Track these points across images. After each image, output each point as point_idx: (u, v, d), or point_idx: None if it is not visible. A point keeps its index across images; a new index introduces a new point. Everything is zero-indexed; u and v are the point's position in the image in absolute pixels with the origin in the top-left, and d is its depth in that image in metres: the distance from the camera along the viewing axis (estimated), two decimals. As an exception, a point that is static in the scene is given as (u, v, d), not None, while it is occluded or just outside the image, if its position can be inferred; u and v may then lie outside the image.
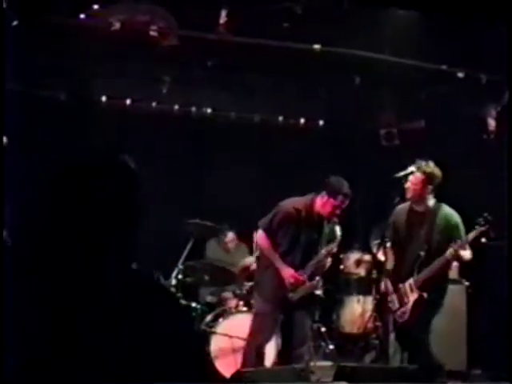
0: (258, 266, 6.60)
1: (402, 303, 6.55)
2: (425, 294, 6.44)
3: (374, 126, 10.03)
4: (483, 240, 6.35)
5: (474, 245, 6.38)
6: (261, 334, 6.29)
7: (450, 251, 6.29)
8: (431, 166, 6.56)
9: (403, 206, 6.77)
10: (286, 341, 6.42)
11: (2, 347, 1.62)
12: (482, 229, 6.24)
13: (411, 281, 6.51)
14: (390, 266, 6.81)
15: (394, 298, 6.61)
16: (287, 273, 6.21)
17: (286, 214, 6.30)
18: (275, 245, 6.31)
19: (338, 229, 6.28)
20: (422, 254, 6.47)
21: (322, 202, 6.27)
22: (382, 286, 6.78)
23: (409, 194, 6.60)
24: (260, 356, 6.32)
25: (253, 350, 6.29)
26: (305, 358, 6.31)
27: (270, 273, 6.30)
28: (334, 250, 6.33)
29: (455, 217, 6.54)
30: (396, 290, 6.61)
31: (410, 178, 6.52)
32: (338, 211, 6.24)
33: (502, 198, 7.32)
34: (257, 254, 6.81)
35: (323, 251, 6.30)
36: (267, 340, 6.37)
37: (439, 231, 6.52)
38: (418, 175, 6.51)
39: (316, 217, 6.31)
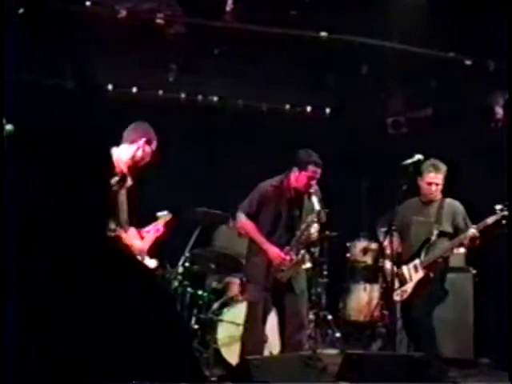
0: (247, 253, 6.57)
1: (403, 282, 6.64)
2: (431, 274, 6.52)
3: (381, 114, 10.00)
4: (504, 222, 6.42)
5: (492, 229, 6.47)
6: (257, 322, 6.29)
7: (471, 231, 6.37)
8: (444, 165, 6.66)
9: (412, 200, 6.86)
10: (282, 329, 6.41)
11: (1, 347, 1.60)
12: (504, 213, 6.35)
13: (417, 261, 6.61)
14: (390, 251, 6.87)
15: (395, 278, 6.69)
16: (274, 253, 6.21)
17: (263, 194, 6.36)
18: (258, 226, 6.32)
19: (315, 199, 6.21)
20: (433, 238, 6.57)
21: (295, 177, 6.31)
22: (385, 267, 6.86)
23: (436, 194, 6.66)
24: (260, 343, 6.32)
25: (252, 338, 6.30)
26: (304, 344, 6.31)
27: (259, 257, 6.30)
28: (315, 221, 6.28)
29: (460, 207, 6.64)
30: (398, 271, 6.69)
31: (434, 179, 6.60)
32: (312, 182, 6.25)
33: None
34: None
35: (303, 225, 6.29)
36: (263, 327, 6.36)
37: (447, 218, 6.61)
38: (441, 176, 6.62)
39: (294, 193, 6.34)
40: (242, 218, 6.43)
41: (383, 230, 8.12)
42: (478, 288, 7.99)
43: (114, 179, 5.26)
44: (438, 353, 6.58)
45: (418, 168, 6.92)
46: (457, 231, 6.64)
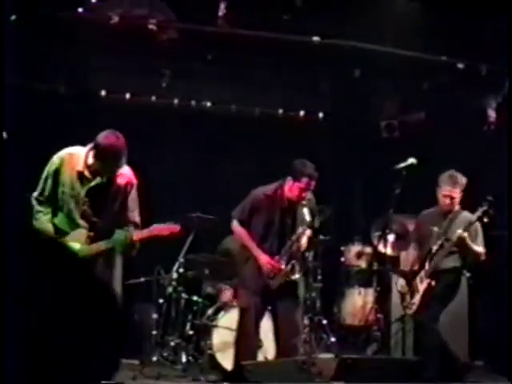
0: (238, 259, 6.59)
1: (412, 296, 6.64)
2: (433, 282, 6.51)
3: (374, 118, 10.02)
4: (486, 220, 6.40)
5: (480, 223, 6.47)
6: (248, 327, 6.30)
7: (457, 233, 6.36)
8: (464, 178, 6.59)
9: (432, 210, 6.84)
10: (277, 334, 6.42)
11: (1, 347, 1.60)
12: (484, 208, 6.33)
13: (422, 273, 6.59)
14: (407, 265, 6.88)
15: (407, 293, 6.70)
16: (264, 259, 6.21)
17: (256, 201, 6.36)
18: (251, 233, 6.34)
19: (305, 211, 6.18)
20: (435, 248, 6.55)
21: (288, 187, 6.28)
22: (398, 285, 6.85)
23: (451, 208, 6.62)
24: (253, 349, 6.34)
25: (244, 344, 6.30)
26: (299, 349, 6.30)
27: (250, 263, 6.31)
28: (306, 232, 6.27)
29: (474, 220, 6.57)
30: (409, 286, 6.70)
31: (451, 193, 6.55)
32: (304, 194, 6.21)
33: (502, 188, 7.32)
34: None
35: (294, 236, 6.28)
36: (255, 332, 6.37)
37: (456, 229, 6.56)
38: (458, 190, 6.54)
39: (287, 202, 6.32)
40: (234, 223, 6.44)
41: (377, 234, 8.14)
42: (472, 291, 7.99)
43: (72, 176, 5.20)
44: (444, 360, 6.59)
45: (411, 171, 6.93)
46: None
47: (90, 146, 5.19)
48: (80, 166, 5.17)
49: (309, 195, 6.31)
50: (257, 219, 6.33)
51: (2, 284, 1.66)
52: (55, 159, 5.22)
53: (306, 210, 6.17)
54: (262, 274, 6.20)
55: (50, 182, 5.17)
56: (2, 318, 1.62)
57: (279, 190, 6.34)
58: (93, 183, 5.19)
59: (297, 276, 6.27)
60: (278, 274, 6.18)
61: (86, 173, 5.17)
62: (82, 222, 5.19)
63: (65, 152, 5.24)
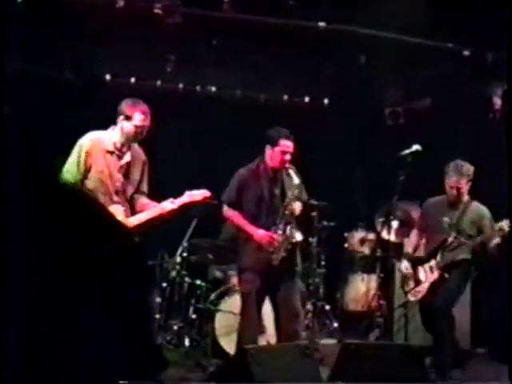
0: (237, 242, 6.50)
1: (417, 283, 6.67)
2: (446, 275, 6.54)
3: (379, 105, 10.00)
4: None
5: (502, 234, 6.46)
6: (249, 311, 6.28)
7: (504, 224, 6.36)
8: (470, 167, 6.62)
9: (440, 199, 6.85)
10: (277, 319, 6.39)
11: (1, 347, 1.60)
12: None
13: (432, 262, 6.63)
14: (410, 249, 6.92)
15: (410, 278, 6.74)
16: (260, 235, 6.16)
17: (241, 180, 6.36)
18: (243, 213, 6.31)
19: (292, 173, 6.16)
20: (450, 239, 6.57)
21: (269, 155, 6.30)
22: (402, 267, 6.88)
23: (459, 198, 6.66)
24: (254, 332, 6.33)
25: (246, 327, 6.29)
26: (300, 334, 6.29)
27: (248, 244, 6.26)
28: (296, 194, 6.18)
29: (486, 212, 6.60)
30: (413, 270, 6.74)
31: (457, 184, 6.59)
32: (287, 156, 6.20)
33: (507, 176, 7.31)
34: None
35: (285, 201, 6.21)
36: (257, 316, 6.36)
37: (469, 222, 6.60)
38: (464, 180, 6.57)
39: (272, 172, 6.31)
40: (225, 207, 6.41)
41: (381, 220, 8.17)
42: (475, 278, 7.99)
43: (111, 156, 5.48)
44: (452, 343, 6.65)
45: (415, 158, 6.93)
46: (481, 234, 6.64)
47: (111, 127, 5.55)
48: (109, 147, 5.49)
49: (290, 166, 6.27)
50: (246, 198, 6.30)
51: (2, 284, 1.66)
52: (86, 143, 5.47)
53: (292, 172, 6.16)
54: (261, 252, 6.15)
55: (82, 165, 5.41)
56: (2, 318, 1.62)
57: (262, 165, 6.34)
58: (123, 161, 5.53)
59: (298, 238, 6.23)
60: (277, 244, 6.13)
61: (116, 152, 5.50)
62: (117, 198, 5.48)
63: (93, 135, 5.53)
